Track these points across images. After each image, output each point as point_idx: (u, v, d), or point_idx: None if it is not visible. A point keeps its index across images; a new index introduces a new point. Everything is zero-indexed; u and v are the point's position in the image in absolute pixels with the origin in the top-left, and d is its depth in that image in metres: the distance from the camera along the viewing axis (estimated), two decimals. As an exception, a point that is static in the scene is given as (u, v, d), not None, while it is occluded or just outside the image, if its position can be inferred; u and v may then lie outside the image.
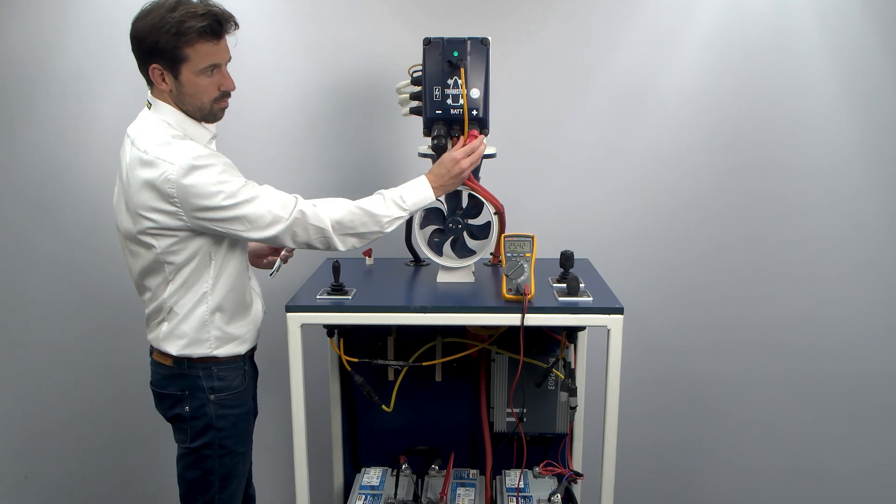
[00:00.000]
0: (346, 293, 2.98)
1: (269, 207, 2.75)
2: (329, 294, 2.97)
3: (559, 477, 3.35)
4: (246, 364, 3.00)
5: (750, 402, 4.17)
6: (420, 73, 3.01)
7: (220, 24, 2.70)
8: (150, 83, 2.77)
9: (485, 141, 3.02)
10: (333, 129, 3.89)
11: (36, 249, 3.93)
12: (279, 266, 3.27)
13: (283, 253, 3.30)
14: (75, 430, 4.11)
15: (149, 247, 2.74)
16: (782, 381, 4.13)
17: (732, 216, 3.94)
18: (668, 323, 4.07)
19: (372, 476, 3.46)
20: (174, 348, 2.87)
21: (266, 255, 3.32)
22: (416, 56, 3.02)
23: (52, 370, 4.04)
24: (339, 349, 3.35)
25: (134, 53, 2.71)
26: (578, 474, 3.38)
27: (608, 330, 2.82)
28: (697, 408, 4.19)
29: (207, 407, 2.89)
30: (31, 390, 4.08)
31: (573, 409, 3.28)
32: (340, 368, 3.54)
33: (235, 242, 2.87)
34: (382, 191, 2.94)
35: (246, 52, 3.67)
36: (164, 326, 2.88)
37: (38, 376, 4.05)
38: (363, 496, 3.30)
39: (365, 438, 3.64)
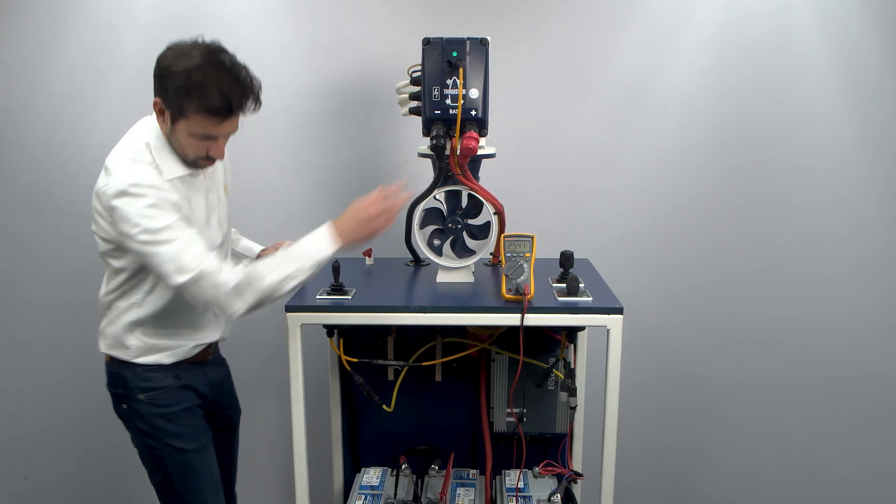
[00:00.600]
0: (345, 293, 2.98)
1: (180, 256, 2.61)
2: (329, 294, 2.97)
3: (559, 477, 3.35)
4: (178, 369, 2.95)
5: (750, 402, 4.17)
6: (419, 73, 3.01)
7: (230, 110, 2.64)
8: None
9: (483, 141, 3.02)
10: (333, 128, 3.89)
11: (35, 250, 3.93)
12: None
13: None
14: (75, 430, 4.11)
15: (97, 243, 2.78)
16: (782, 381, 4.13)
17: (732, 216, 3.95)
18: (667, 323, 4.07)
19: (372, 476, 3.46)
20: (103, 345, 2.92)
21: None
22: (415, 56, 3.02)
23: (51, 370, 4.03)
24: (339, 349, 3.35)
25: (153, 74, 2.67)
26: (578, 474, 3.38)
27: (608, 330, 2.82)
28: (697, 408, 4.19)
29: (140, 406, 2.90)
30: (31, 390, 4.08)
31: (573, 409, 3.28)
32: (340, 368, 3.53)
33: None
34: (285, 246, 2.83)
35: (246, 52, 3.65)
36: (102, 322, 2.92)
37: (38, 376, 4.05)
38: (363, 496, 3.30)
39: (365, 438, 3.64)
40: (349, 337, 3.49)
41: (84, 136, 3.82)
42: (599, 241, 3.90)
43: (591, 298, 2.89)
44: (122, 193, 2.58)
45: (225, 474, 3.27)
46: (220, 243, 2.99)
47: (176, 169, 2.74)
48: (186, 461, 2.95)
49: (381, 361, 3.35)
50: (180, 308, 2.88)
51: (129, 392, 2.90)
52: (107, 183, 2.61)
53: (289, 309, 2.87)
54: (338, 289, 2.99)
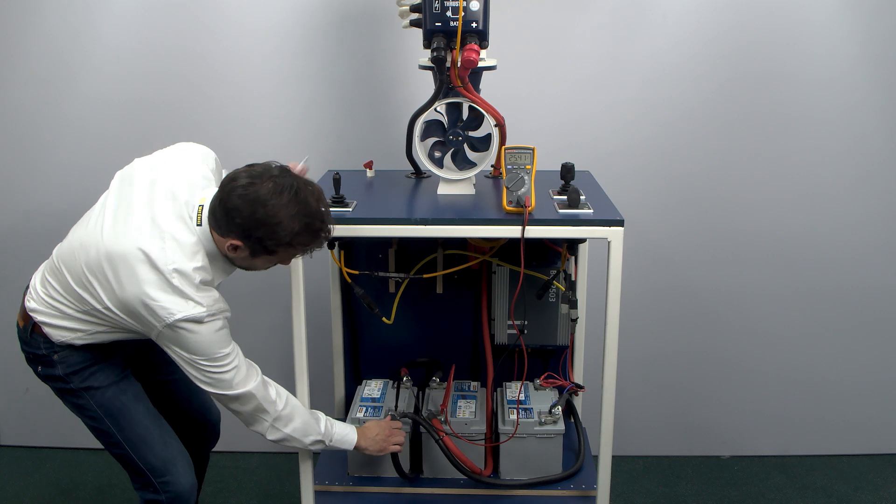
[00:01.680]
0: (346, 205, 2.96)
1: (239, 377, 2.73)
2: (330, 206, 2.96)
3: (560, 389, 3.35)
4: (92, 350, 2.89)
5: (750, 313, 4.19)
6: (421, -15, 2.98)
7: (321, 243, 2.66)
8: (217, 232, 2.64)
9: (484, 53, 2.99)
10: (333, 41, 3.87)
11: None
12: None
13: None
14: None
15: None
16: (783, 293, 4.14)
17: (734, 128, 3.93)
18: (668, 235, 4.07)
19: (373, 388, 3.48)
20: (21, 314, 2.92)
21: None
22: (416, -33, 2.99)
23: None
24: (340, 261, 3.35)
25: (218, 206, 2.57)
26: (579, 386, 3.38)
27: (609, 242, 2.81)
28: (698, 319, 4.21)
29: (55, 368, 2.87)
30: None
31: (574, 321, 3.28)
32: (341, 281, 3.54)
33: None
34: (322, 417, 3.00)
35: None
36: (29, 302, 2.87)
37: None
38: (364, 408, 3.32)
39: (366, 351, 3.65)
40: (350, 249, 3.50)
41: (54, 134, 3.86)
42: (601, 153, 3.89)
43: (591, 210, 2.87)
44: (196, 320, 2.58)
45: (193, 388, 3.08)
46: None
47: (221, 274, 2.79)
48: (108, 402, 2.90)
49: (382, 274, 3.36)
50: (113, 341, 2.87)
51: (40, 355, 2.88)
52: (171, 305, 2.54)
53: (290, 221, 2.86)
54: (339, 201, 2.97)
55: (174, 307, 2.52)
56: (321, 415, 2.99)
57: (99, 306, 2.63)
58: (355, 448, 3.02)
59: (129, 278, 2.52)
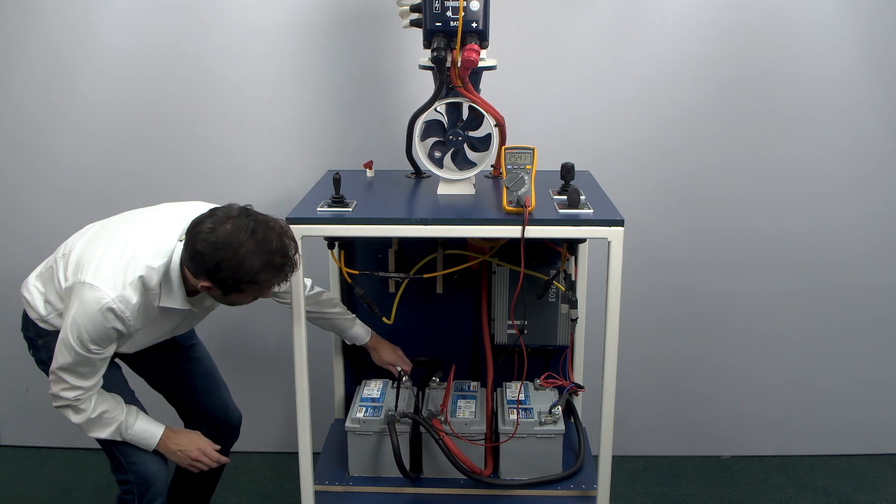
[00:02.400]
0: (346, 205, 2.96)
1: (69, 377, 2.76)
2: (330, 206, 2.96)
3: (560, 389, 3.35)
4: None
5: (750, 314, 4.19)
6: (420, -15, 2.98)
7: (287, 275, 2.70)
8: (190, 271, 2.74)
9: (484, 53, 3.00)
10: (334, 41, 3.87)
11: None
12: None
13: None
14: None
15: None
16: (782, 294, 4.15)
17: (733, 128, 3.94)
18: (668, 235, 4.08)
19: (373, 388, 3.48)
20: (26, 296, 3.04)
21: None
22: (416, -33, 2.99)
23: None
24: (340, 261, 3.36)
25: (186, 252, 2.66)
26: (579, 386, 3.38)
27: (609, 242, 2.81)
28: (698, 320, 4.21)
29: (40, 352, 3.03)
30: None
31: (574, 321, 3.29)
32: (341, 281, 3.54)
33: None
34: (127, 412, 2.97)
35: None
36: (31, 275, 3.05)
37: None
38: (364, 408, 3.31)
39: (366, 351, 3.65)
40: (350, 249, 3.50)
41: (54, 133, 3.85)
42: (601, 153, 3.90)
43: (591, 210, 2.88)
44: (96, 301, 2.65)
45: (203, 387, 3.38)
46: (168, 334, 3.10)
47: (174, 302, 2.82)
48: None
49: (382, 273, 3.37)
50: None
51: (28, 338, 3.05)
52: (100, 282, 2.67)
53: (290, 221, 2.84)
54: (339, 201, 2.97)
55: (98, 276, 2.68)
56: (133, 411, 3.00)
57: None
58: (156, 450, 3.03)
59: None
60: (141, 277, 2.69)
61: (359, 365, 3.71)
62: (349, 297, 3.59)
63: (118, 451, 3.02)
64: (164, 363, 3.26)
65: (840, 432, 4.39)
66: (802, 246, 4.09)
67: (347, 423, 3.26)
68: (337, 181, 2.97)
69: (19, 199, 4.10)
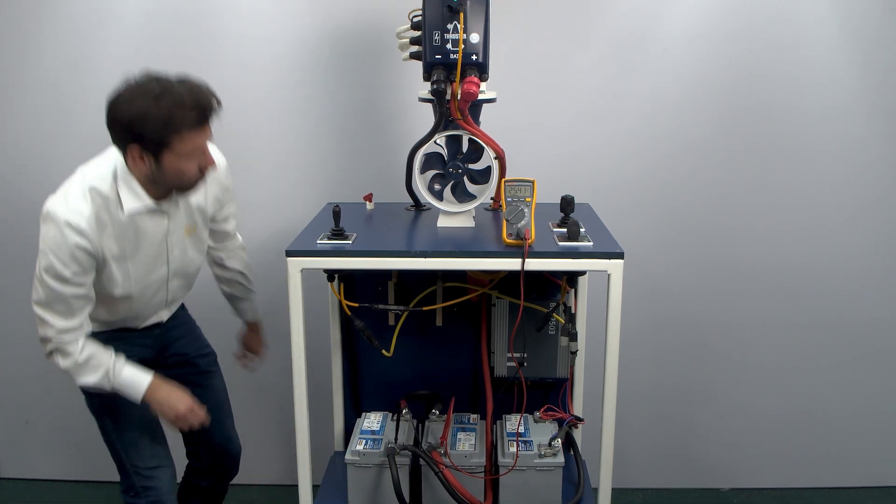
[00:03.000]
0: (346, 238, 2.97)
1: (49, 307, 2.78)
2: (329, 239, 2.97)
3: (560, 421, 3.36)
4: (104, 335, 3.00)
5: (750, 345, 4.19)
6: (420, 18, 2.99)
7: (205, 114, 2.69)
8: (124, 155, 2.74)
9: (484, 86, 3.01)
10: (333, 73, 3.88)
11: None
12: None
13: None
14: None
15: None
16: (782, 325, 4.15)
17: (733, 161, 3.95)
18: (668, 268, 4.08)
19: (372, 421, 3.47)
20: None
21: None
22: (416, 0, 3.00)
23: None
24: (340, 294, 3.35)
25: (109, 130, 2.68)
26: (579, 419, 3.39)
27: (608, 274, 2.82)
28: (697, 352, 4.21)
29: None
30: (31, 337, 4.08)
31: (574, 353, 3.28)
32: (341, 313, 3.54)
33: (107, 293, 2.90)
34: (116, 361, 2.93)
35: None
36: None
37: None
38: (364, 440, 3.31)
39: (365, 383, 3.65)
40: (350, 282, 3.50)
41: (63, 139, 3.84)
42: (600, 185, 3.90)
43: (591, 243, 2.89)
44: (54, 221, 2.66)
45: (219, 421, 3.36)
46: (161, 278, 3.04)
47: (139, 203, 2.79)
48: (111, 402, 3.00)
49: (381, 306, 3.36)
50: (116, 313, 2.99)
51: None
52: (54, 205, 2.68)
53: (289, 254, 2.86)
54: (338, 233, 2.98)
55: (54, 202, 2.69)
56: (122, 359, 2.95)
57: None
58: (144, 399, 2.94)
59: None
60: (91, 188, 2.70)
61: (359, 397, 3.69)
62: (349, 330, 3.59)
63: (133, 469, 3.05)
64: (181, 384, 3.23)
65: (841, 465, 4.37)
66: (803, 277, 4.09)
67: (347, 456, 3.26)
68: (337, 214, 2.98)
69: (24, 210, 4.09)
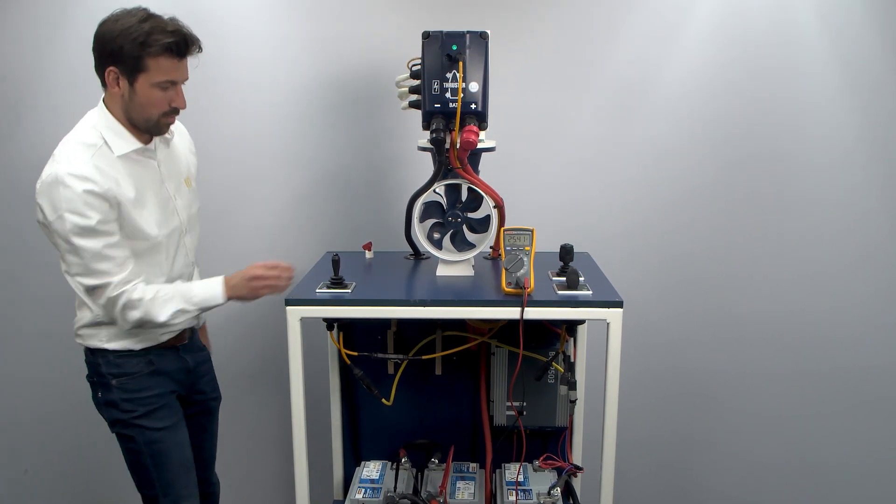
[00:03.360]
0: (345, 287, 2.98)
1: (97, 262, 2.78)
2: (328, 287, 2.97)
3: (559, 470, 3.35)
4: (150, 354, 3.04)
5: (750, 395, 4.17)
6: (419, 67, 3.01)
7: (185, 45, 2.80)
8: (103, 85, 2.84)
9: (483, 135, 3.03)
10: (332, 122, 3.89)
11: (34, 243, 3.92)
12: None
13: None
14: (75, 422, 4.10)
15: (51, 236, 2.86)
16: (781, 375, 4.14)
17: (732, 210, 3.95)
18: (667, 317, 4.07)
19: (372, 469, 3.46)
20: (78, 338, 3.05)
21: None
22: (415, 49, 3.02)
23: (50, 362, 4.03)
24: (339, 343, 3.36)
25: (94, 53, 2.79)
26: (578, 468, 3.38)
27: (608, 323, 2.82)
28: (697, 402, 4.20)
29: (112, 392, 3.00)
30: (30, 383, 4.08)
31: (573, 402, 3.27)
32: (340, 362, 3.53)
33: (146, 256, 2.93)
34: (180, 285, 3.00)
35: (244, 46, 3.70)
36: (77, 314, 3.05)
37: (37, 369, 4.06)
38: (363, 489, 3.30)
39: (365, 432, 3.64)
40: (349, 330, 3.49)
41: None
42: (599, 234, 3.91)
43: (590, 292, 2.89)
44: (56, 182, 2.69)
45: (202, 458, 3.39)
46: (177, 230, 3.07)
47: (127, 144, 2.85)
48: (156, 439, 3.04)
49: (380, 355, 3.35)
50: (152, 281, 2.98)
51: (102, 380, 3.01)
52: (49, 172, 2.72)
53: (288, 302, 2.87)
54: (337, 282, 2.99)
55: (46, 169, 2.75)
56: (179, 282, 3.03)
57: None
58: (226, 299, 2.99)
59: None
60: (78, 143, 2.79)
61: (358, 446, 3.69)
62: (348, 378, 3.58)
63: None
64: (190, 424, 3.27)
65: (842, 514, 4.36)
66: (802, 326, 4.08)
67: (346, 505, 3.25)
68: (336, 262, 2.99)
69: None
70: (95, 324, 2.97)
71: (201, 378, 3.31)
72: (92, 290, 2.81)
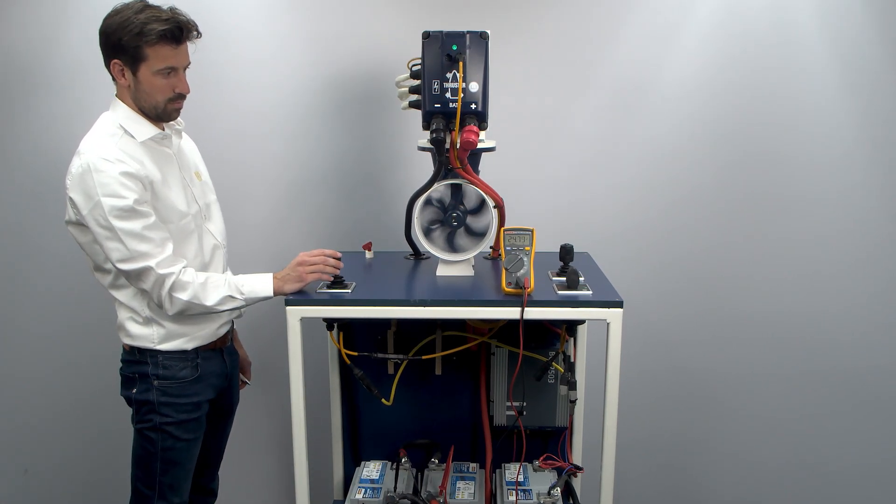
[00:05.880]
0: (345, 287, 2.98)
1: (137, 243, 2.81)
2: (328, 288, 2.97)
3: (559, 470, 3.35)
4: (198, 357, 3.08)
5: (749, 395, 4.17)
6: (419, 67, 3.01)
7: (180, 31, 2.85)
8: (113, 79, 2.90)
9: (483, 135, 3.03)
10: (332, 122, 3.89)
11: (35, 242, 3.92)
12: None
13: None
14: (75, 422, 4.11)
15: (84, 234, 2.92)
16: (782, 375, 4.13)
17: (732, 210, 3.95)
18: (667, 316, 4.07)
19: (372, 469, 3.46)
20: (125, 337, 3.05)
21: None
22: (415, 50, 3.01)
23: (51, 362, 4.03)
24: (339, 343, 3.35)
25: (101, 49, 2.87)
26: (578, 468, 3.37)
27: (608, 323, 2.82)
28: (697, 401, 4.19)
29: (151, 392, 3.01)
30: (31, 384, 4.08)
31: (573, 402, 3.27)
32: (340, 362, 3.53)
33: (179, 239, 2.96)
34: (230, 276, 3.04)
35: (244, 45, 3.70)
36: (119, 315, 3.05)
37: (37, 368, 4.05)
38: (363, 489, 3.30)
39: (365, 432, 3.64)
40: (349, 330, 3.49)
41: (84, 129, 3.83)
42: (599, 234, 3.91)
43: (590, 292, 2.89)
44: (90, 170, 2.75)
45: (209, 459, 3.41)
46: (198, 215, 3.10)
47: (147, 130, 2.92)
48: (176, 448, 3.06)
49: (380, 355, 3.35)
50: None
51: (144, 379, 3.02)
52: (79, 163, 2.79)
53: (288, 303, 2.87)
54: (337, 282, 2.99)
55: (75, 162, 2.83)
56: (229, 275, 3.05)
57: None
58: (275, 293, 2.99)
59: None
60: (101, 135, 2.86)
61: (358, 446, 3.68)
62: (348, 379, 3.58)
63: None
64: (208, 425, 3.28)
65: (841, 514, 4.36)
66: (802, 326, 4.08)
67: (346, 505, 3.25)
68: (336, 262, 3.00)
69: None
70: (146, 323, 2.99)
71: (232, 381, 3.33)
72: (137, 275, 2.83)
